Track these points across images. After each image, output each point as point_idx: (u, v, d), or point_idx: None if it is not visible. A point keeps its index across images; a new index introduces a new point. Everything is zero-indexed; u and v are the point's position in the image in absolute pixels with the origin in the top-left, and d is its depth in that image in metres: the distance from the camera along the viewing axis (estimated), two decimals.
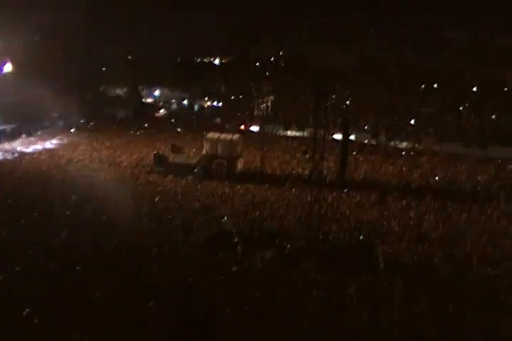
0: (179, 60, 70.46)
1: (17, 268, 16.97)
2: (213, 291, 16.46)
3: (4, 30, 45.89)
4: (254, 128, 45.40)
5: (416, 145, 45.81)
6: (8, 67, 45.73)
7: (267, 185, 30.09)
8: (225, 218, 23.55)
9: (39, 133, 44.61)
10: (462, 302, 16.71)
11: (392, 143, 46.55)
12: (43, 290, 15.53)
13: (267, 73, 60.22)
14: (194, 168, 32.29)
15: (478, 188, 31.51)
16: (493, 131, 48.95)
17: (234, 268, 18.45)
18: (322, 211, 23.55)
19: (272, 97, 42.55)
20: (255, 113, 41.63)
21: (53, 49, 53.49)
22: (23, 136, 42.38)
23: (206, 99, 61.94)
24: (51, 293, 15.43)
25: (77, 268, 17.21)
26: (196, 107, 61.50)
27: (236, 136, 35.28)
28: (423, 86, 57.67)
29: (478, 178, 34.41)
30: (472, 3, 57.24)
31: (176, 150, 34.81)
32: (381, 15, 60.98)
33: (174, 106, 61.41)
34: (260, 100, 40.44)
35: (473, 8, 56.95)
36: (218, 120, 53.61)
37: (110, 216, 22.56)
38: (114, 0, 54.27)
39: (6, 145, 38.85)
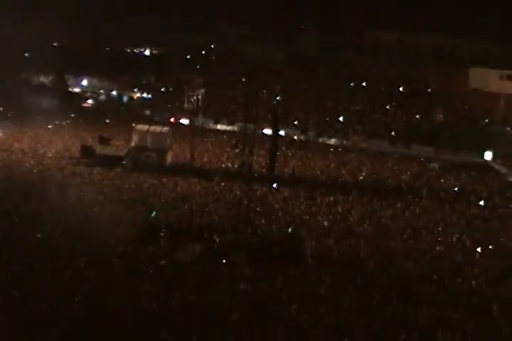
0: (109, 49, 68.73)
1: None
2: (141, 286, 16.17)
3: None
4: (185, 121, 44.88)
5: (344, 142, 46.74)
6: None
7: (196, 179, 29.84)
8: (154, 212, 23.20)
9: None
10: (386, 294, 17.21)
11: (321, 140, 47.26)
12: None
13: (198, 66, 59.79)
14: (123, 160, 31.59)
15: (403, 185, 32.55)
16: (417, 130, 50.61)
17: (162, 262, 18.21)
18: (251, 205, 23.61)
19: (202, 90, 42.09)
20: (185, 106, 41.02)
21: None
22: None
23: (136, 90, 60.53)
24: None
25: None
26: (125, 98, 59.95)
27: (166, 129, 34.83)
28: (352, 83, 58.91)
29: (403, 176, 35.50)
30: (402, 5, 59.13)
31: (104, 141, 33.92)
32: (313, 14, 61.91)
33: (103, 96, 59.56)
34: (191, 93, 39.91)
35: (402, 9, 58.79)
36: (148, 112, 52.55)
37: (33, 208, 21.73)
38: None
39: None
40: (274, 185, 29.66)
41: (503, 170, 41.89)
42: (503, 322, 15.85)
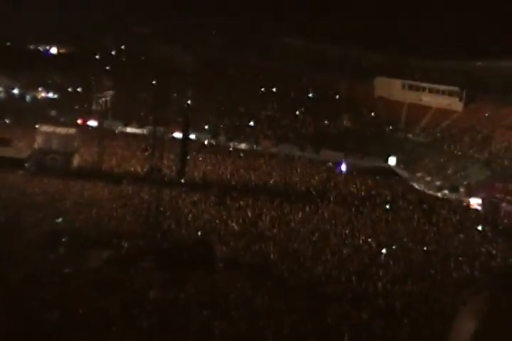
0: (8, 44, 65.29)
1: None
2: (40, 295, 15.34)
3: None
4: (93, 123, 43.52)
5: (254, 147, 47.14)
6: None
7: (104, 183, 28.94)
8: (59, 217, 22.22)
9: None
10: (295, 297, 17.42)
11: (231, 144, 47.41)
12: None
13: (108, 67, 58.26)
14: (24, 163, 30.05)
15: (311, 189, 33.23)
16: (325, 135, 51.96)
17: (67, 270, 17.41)
18: (161, 209, 23.17)
19: (111, 92, 41.02)
20: (94, 107, 39.81)
21: None
22: None
23: (40, 89, 57.96)
24: None
25: None
26: (29, 97, 57.25)
27: (72, 130, 33.62)
28: (263, 89, 59.60)
29: (311, 180, 36.25)
30: (311, 12, 60.60)
31: (4, 142, 32.17)
32: (222, 18, 62.13)
33: (2, 94, 56.51)
34: (99, 94, 38.73)
35: (312, 16, 60.26)
36: (54, 112, 50.45)
37: None
38: None
39: None
40: (184, 189, 29.32)
41: (406, 174, 43.93)
42: (405, 320, 16.43)
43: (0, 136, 33.18)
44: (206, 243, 21.07)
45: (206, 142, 46.14)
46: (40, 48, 69.22)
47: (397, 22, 56.67)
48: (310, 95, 59.65)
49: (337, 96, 59.89)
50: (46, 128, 32.61)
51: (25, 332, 13.35)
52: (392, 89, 59.07)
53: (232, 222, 24.83)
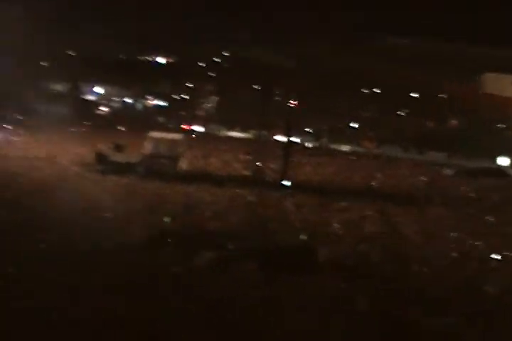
0: (122, 57, 69.38)
1: None
2: (151, 294, 16.06)
3: None
4: (198, 128, 45.12)
5: (356, 148, 46.70)
6: None
7: (210, 186, 29.89)
8: (167, 219, 23.23)
9: None
10: (403, 302, 17.05)
11: (333, 146, 47.26)
12: None
13: (212, 74, 60.13)
14: (136, 167, 31.74)
15: (415, 191, 32.40)
16: (429, 135, 50.44)
17: (174, 270, 18.10)
18: (264, 211, 23.57)
19: (216, 98, 42.34)
20: (198, 113, 41.26)
21: None
22: None
23: (149, 97, 61.00)
24: None
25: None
26: (139, 106, 60.45)
27: (179, 136, 34.97)
28: (365, 90, 58.91)
29: (416, 182, 35.36)
30: (415, 10, 59.03)
31: (118, 148, 34.15)
32: (325, 19, 61.99)
33: (116, 104, 60.14)
34: (204, 100, 40.11)
35: (415, 14, 58.73)
36: (161, 119, 52.91)
37: (47, 215, 21.83)
38: None
39: None
40: (288, 192, 29.61)
41: None
42: None
43: (115, 142, 35.22)
44: (310, 245, 21.11)
45: (308, 144, 46.31)
46: (149, 58, 72.74)
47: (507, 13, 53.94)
48: (413, 94, 58.11)
49: (442, 95, 57.89)
50: (155, 134, 34.21)
51: (139, 331, 14.06)
52: (501, 85, 56.19)
53: (336, 224, 24.77)
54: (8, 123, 45.05)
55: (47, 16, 56.51)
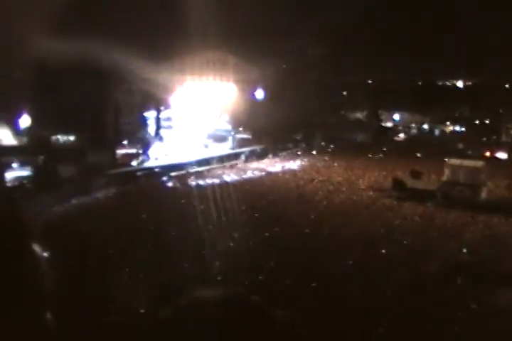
0: (420, 83, 69.29)
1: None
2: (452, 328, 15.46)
3: (260, 57, 50.10)
4: (502, 156, 42.28)
5: None
6: (259, 94, 49.72)
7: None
8: (464, 250, 22.27)
9: (284, 154, 47.53)
10: None
11: None
12: None
13: None
14: (434, 195, 31.22)
15: None
16: None
17: (473, 306, 17.03)
18: None
19: None
20: (503, 139, 38.72)
21: (300, 76, 56.63)
22: (270, 156, 45.62)
23: (448, 123, 59.63)
24: None
25: None
26: (437, 132, 59.52)
27: (480, 163, 33.29)
28: None
29: None
30: None
31: (416, 175, 34.07)
32: None
33: (414, 130, 60.24)
34: (510, 125, 37.54)
35: None
36: (460, 145, 51.15)
37: (343, 236, 22.91)
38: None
39: (255, 164, 42.23)
40: None
41: None
42: None
43: (412, 168, 35.24)
44: None
45: None
46: (448, 83, 71.21)
47: None
48: None
49: None
50: (454, 161, 33.20)
51: None
52: None
53: None
54: (312, 150, 48.91)
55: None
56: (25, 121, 40.27)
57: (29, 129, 40.87)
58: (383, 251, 21.70)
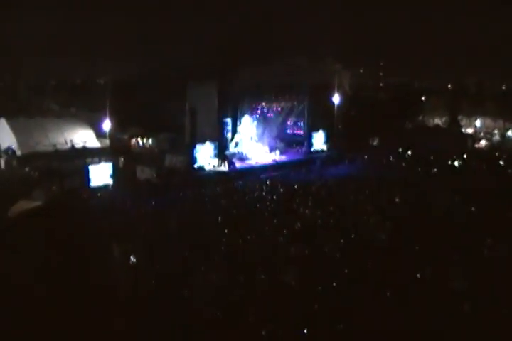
0: (504, 87, 66.73)
1: None
2: None
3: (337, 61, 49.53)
4: None
5: None
6: (336, 98, 49.09)
7: None
8: None
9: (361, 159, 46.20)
10: None
11: None
12: None
13: None
14: None
15: None
16: None
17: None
18: None
19: None
20: None
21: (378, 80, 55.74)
22: (346, 162, 44.71)
23: None
24: None
25: None
26: None
27: None
28: None
29: None
30: None
31: None
32: None
33: (497, 137, 57.70)
34: None
35: None
36: None
37: None
38: None
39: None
40: None
41: None
42: None
43: None
44: None
45: None
46: None
47: None
48: None
49: None
50: None
51: None
52: None
53: None
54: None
55: None
56: (107, 124, 41.50)
57: (111, 132, 42.14)
58: None
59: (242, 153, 43.95)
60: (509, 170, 39.73)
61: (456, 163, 44.03)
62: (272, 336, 14.52)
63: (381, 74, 71.74)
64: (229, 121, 45.08)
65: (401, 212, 27.37)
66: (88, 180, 32.82)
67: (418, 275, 18.64)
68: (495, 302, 16.45)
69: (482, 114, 61.81)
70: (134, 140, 47.17)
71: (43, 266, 18.67)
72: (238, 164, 41.60)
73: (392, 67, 65.91)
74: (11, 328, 14.71)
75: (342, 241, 22.32)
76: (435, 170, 40.71)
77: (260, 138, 46.24)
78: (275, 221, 25.35)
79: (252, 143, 45.42)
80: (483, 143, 55.05)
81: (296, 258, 20.32)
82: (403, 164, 43.88)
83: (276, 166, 42.20)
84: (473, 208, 27.86)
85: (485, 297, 16.76)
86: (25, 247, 20.55)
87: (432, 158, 44.35)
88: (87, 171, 33.12)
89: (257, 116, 47.70)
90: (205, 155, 40.05)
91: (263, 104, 47.47)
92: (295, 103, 47.94)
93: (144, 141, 47.07)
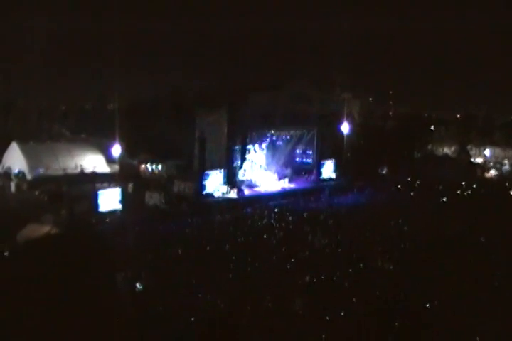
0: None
1: None
2: None
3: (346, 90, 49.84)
4: None
5: None
6: (345, 127, 49.19)
7: None
8: None
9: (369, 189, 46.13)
10: None
11: None
12: None
13: None
14: None
15: None
16: None
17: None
18: None
19: None
20: None
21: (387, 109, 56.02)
22: (355, 190, 44.61)
23: None
24: None
25: None
26: None
27: None
28: None
29: None
30: None
31: None
32: None
33: (506, 166, 57.44)
34: None
35: None
36: None
37: None
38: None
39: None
40: None
41: None
42: None
43: None
44: None
45: None
46: None
47: None
48: None
49: None
50: None
51: None
52: None
53: None
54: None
55: None
56: (117, 149, 41.81)
57: (120, 157, 42.40)
58: None
59: (251, 181, 44.02)
60: None
61: (465, 193, 43.87)
62: None
63: (390, 103, 72.21)
64: (238, 148, 45.15)
65: (409, 242, 27.27)
66: (97, 205, 32.89)
67: (427, 305, 18.46)
68: None
69: (491, 143, 61.81)
70: (143, 166, 47.37)
71: (51, 290, 18.68)
72: (247, 191, 41.67)
73: (401, 97, 66.34)
74: None
75: (350, 270, 22.21)
76: (444, 199, 40.57)
77: (269, 165, 46.35)
78: (283, 249, 25.29)
79: (261, 171, 45.53)
80: (492, 172, 54.86)
81: (303, 286, 20.22)
82: (412, 193, 43.75)
83: (284, 194, 42.20)
84: (482, 238, 27.73)
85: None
86: (32, 271, 20.57)
87: (440, 187, 44.18)
88: (96, 196, 33.21)
89: (267, 144, 47.79)
90: (214, 182, 40.15)
91: (272, 131, 47.57)
92: (304, 131, 48.23)
93: (154, 167, 47.26)
